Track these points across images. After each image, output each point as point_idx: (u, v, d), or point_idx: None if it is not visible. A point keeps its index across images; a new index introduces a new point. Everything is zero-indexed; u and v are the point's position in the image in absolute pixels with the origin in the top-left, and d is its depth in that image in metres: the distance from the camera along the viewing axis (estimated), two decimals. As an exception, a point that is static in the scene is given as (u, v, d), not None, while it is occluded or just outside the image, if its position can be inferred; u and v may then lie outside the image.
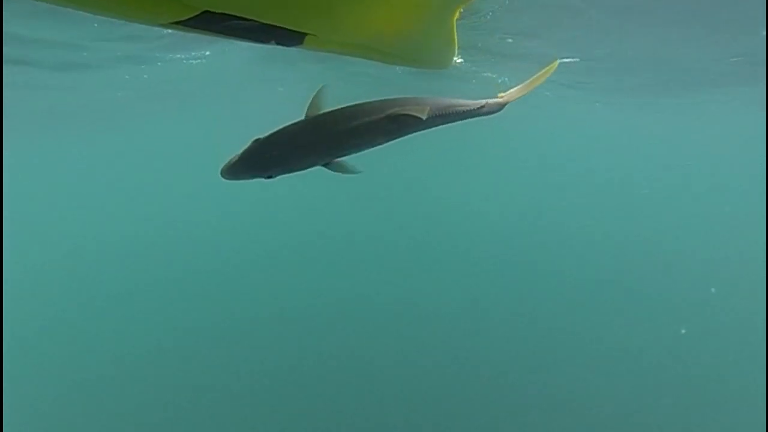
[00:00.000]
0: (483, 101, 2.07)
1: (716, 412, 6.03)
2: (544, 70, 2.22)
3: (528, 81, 2.22)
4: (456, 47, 2.30)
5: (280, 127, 1.69)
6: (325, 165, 1.76)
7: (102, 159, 30.20)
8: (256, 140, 1.65)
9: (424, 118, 1.73)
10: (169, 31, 4.11)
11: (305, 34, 1.51)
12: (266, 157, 1.63)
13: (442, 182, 24.26)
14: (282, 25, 1.37)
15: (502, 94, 2.20)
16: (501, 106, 2.17)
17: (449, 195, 20.59)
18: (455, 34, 2.11)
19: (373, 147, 1.81)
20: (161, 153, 30.59)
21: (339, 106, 1.75)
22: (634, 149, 31.95)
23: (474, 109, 2.04)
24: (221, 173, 1.63)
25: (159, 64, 7.06)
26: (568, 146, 31.69)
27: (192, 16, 1.21)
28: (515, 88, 2.23)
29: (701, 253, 12.52)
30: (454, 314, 8.45)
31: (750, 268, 10.74)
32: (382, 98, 1.81)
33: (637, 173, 29.37)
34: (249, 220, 16.37)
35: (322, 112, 1.73)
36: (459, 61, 6.18)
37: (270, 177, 1.67)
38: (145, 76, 8.16)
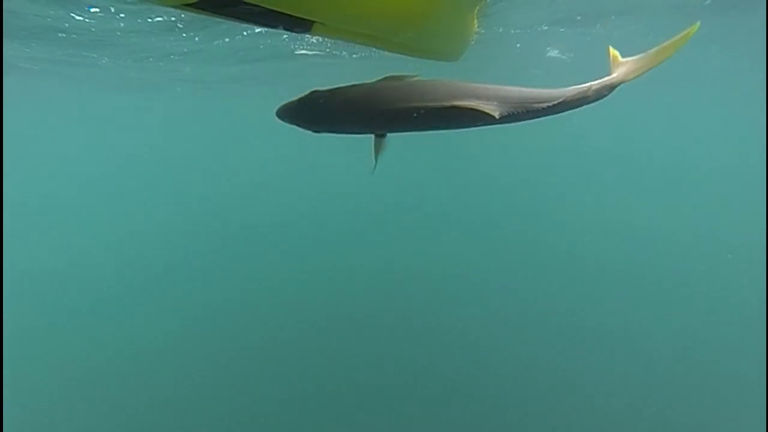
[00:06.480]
0: (585, 86, 1.54)
1: (718, 401, 6.03)
2: (680, 35, 1.44)
3: (654, 50, 1.49)
4: (470, 41, 2.13)
5: (342, 86, 1.61)
6: (375, 135, 1.67)
7: (96, 149, 30.10)
8: (314, 92, 1.59)
9: (496, 116, 1.46)
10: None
11: (313, 22, 1.55)
12: (318, 112, 1.58)
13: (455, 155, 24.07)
14: (289, 13, 1.41)
15: (616, 70, 1.55)
16: (610, 90, 1.56)
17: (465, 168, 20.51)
18: (474, 27, 1.93)
19: (431, 130, 1.66)
20: (162, 145, 30.53)
21: (405, 77, 1.62)
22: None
23: (570, 100, 1.54)
24: (276, 113, 1.62)
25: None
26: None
27: None
28: (632, 59, 1.55)
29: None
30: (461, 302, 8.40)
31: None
32: (458, 81, 1.56)
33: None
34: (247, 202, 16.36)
35: (385, 81, 1.61)
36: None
37: (316, 132, 1.64)
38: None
